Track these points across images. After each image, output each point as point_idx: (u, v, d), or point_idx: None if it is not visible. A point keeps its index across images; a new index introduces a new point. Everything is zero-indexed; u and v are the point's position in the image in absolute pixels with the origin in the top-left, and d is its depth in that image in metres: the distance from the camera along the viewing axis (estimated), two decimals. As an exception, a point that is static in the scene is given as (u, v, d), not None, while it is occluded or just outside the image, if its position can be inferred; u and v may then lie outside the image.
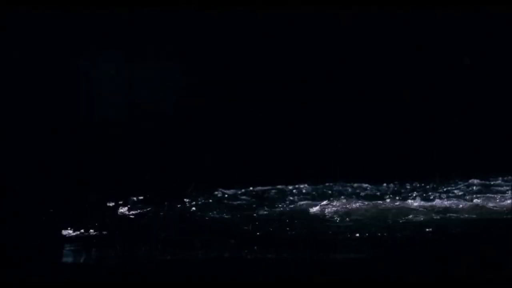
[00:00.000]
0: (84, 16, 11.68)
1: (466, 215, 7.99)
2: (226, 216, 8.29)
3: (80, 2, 11.43)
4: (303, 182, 10.36)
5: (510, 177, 9.82)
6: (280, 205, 8.94)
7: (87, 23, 11.74)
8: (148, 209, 8.76)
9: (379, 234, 7.19)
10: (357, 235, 7.11)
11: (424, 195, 9.27)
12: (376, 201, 8.82)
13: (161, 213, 8.48)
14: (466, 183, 9.89)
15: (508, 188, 9.21)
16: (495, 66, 11.88)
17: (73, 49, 11.84)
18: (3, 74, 11.72)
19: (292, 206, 8.95)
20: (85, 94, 12.07)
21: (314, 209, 8.55)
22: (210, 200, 9.30)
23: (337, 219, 7.87)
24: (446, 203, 8.64)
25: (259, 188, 10.03)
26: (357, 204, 8.64)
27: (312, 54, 12.00)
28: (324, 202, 8.84)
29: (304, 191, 9.73)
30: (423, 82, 11.95)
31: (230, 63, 12.01)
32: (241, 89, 11.98)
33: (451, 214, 8.03)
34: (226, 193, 9.70)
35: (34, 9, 11.48)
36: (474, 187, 9.62)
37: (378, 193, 9.62)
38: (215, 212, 8.55)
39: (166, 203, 8.96)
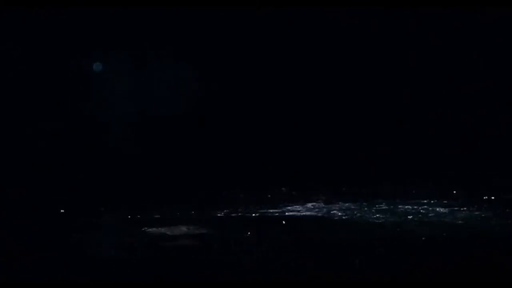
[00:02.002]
0: (88, 16, 11.69)
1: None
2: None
3: (86, 2, 11.42)
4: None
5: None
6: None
7: (92, 23, 11.75)
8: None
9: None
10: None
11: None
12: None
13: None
14: None
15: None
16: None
17: (77, 50, 11.85)
18: (5, 74, 11.74)
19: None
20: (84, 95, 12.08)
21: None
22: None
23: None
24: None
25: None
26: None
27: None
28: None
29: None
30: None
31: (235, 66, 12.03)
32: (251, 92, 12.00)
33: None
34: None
35: (37, 9, 11.49)
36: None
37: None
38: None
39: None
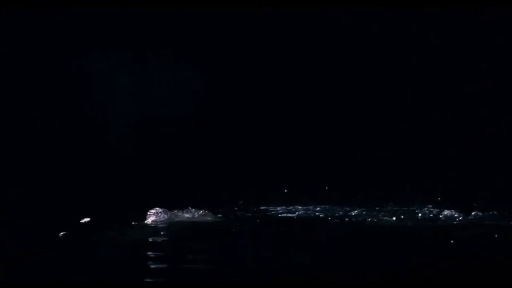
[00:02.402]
0: (91, 15, 11.68)
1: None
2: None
3: (89, 1, 11.41)
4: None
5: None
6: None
7: (94, 22, 11.74)
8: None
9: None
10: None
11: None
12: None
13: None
14: None
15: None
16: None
17: (78, 50, 11.84)
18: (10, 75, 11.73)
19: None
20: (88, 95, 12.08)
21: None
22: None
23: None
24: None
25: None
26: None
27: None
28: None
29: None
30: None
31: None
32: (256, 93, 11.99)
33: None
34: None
35: (37, 9, 11.48)
36: None
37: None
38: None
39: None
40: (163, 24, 11.90)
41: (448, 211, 8.31)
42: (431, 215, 8.20)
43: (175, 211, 8.00)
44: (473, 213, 8.17)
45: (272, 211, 8.72)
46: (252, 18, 11.79)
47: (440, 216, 8.09)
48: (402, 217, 8.05)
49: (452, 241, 6.77)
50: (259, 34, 12.00)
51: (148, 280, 5.61)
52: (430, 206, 8.66)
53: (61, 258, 6.41)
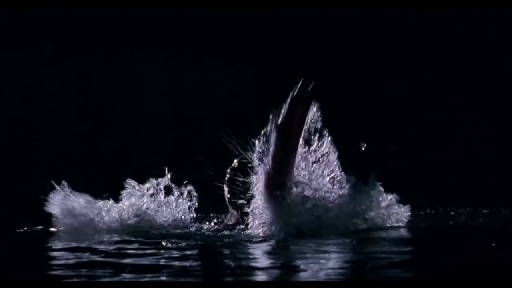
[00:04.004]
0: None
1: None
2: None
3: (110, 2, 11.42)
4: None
5: None
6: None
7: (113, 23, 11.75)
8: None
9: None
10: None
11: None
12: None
13: None
14: None
15: None
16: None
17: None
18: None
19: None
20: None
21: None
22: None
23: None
24: None
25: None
26: None
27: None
28: None
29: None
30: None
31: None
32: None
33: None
34: None
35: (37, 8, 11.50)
36: None
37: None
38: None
39: None
40: (188, 25, 11.90)
41: (448, 211, 8.32)
42: (431, 214, 8.20)
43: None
44: (473, 213, 8.18)
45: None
46: (280, 18, 11.81)
47: (440, 216, 8.10)
48: (402, 217, 8.05)
49: (452, 241, 6.77)
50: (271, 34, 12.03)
51: (148, 280, 5.62)
52: (429, 205, 8.67)
53: (60, 258, 6.41)
